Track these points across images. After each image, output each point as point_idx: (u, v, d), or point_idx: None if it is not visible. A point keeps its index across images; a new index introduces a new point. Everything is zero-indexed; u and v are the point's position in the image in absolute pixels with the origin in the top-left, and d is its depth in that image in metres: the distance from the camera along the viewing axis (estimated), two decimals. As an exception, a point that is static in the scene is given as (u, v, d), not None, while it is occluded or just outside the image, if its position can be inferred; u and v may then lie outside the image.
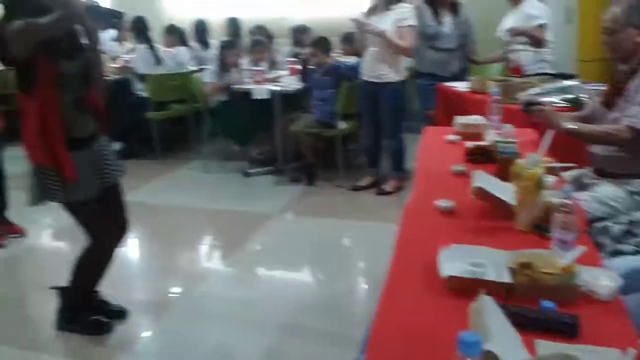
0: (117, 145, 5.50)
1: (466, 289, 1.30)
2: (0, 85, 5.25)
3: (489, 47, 4.71)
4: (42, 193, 2.38)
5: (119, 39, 6.64)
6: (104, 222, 2.54)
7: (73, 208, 2.45)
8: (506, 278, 1.34)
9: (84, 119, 2.41)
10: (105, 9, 2.46)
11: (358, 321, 2.73)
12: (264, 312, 2.90)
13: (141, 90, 5.49)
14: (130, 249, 3.90)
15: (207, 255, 3.85)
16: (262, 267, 3.52)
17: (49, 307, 2.74)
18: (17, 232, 3.83)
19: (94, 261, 2.61)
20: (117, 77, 5.57)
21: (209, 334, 2.72)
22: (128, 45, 6.41)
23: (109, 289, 2.82)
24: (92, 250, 2.56)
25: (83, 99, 2.39)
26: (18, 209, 3.65)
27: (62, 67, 2.29)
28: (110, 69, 5.60)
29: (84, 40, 2.40)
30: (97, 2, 2.44)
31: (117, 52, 6.30)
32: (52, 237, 3.99)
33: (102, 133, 2.54)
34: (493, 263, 1.42)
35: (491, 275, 1.37)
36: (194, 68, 5.65)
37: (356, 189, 4.62)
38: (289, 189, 4.73)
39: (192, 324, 2.82)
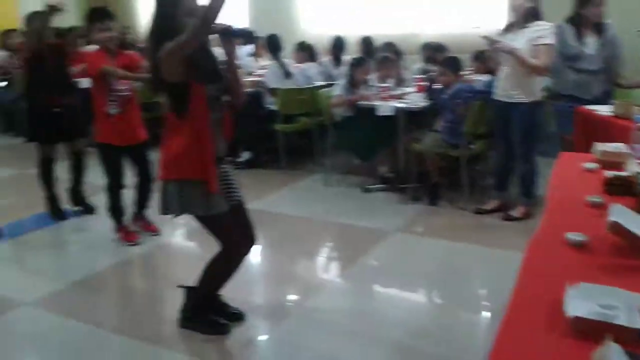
0: (245, 155, 5.77)
1: (593, 332, 1.20)
2: (146, 94, 5.70)
3: (638, 70, 4.36)
4: (181, 205, 2.53)
5: (255, 55, 6.98)
6: (234, 235, 2.67)
7: (207, 220, 2.60)
8: (639, 324, 1.21)
9: (219, 140, 2.56)
10: (240, 30, 2.56)
11: (474, 351, 2.62)
12: (378, 329, 2.87)
13: (271, 103, 5.71)
14: (251, 254, 4.05)
15: (324, 267, 3.90)
16: (378, 284, 3.49)
17: (175, 304, 2.91)
18: (153, 230, 4.12)
19: (222, 269, 2.74)
20: (250, 90, 5.84)
21: (322, 344, 2.75)
22: (263, 60, 6.71)
23: (229, 292, 2.94)
24: (222, 259, 2.70)
25: (220, 121, 2.56)
26: (155, 209, 3.92)
27: (209, 89, 2.46)
28: (245, 83, 5.88)
29: (223, 63, 2.56)
30: (231, 25, 2.53)
31: (252, 67, 6.62)
32: (184, 237, 4.24)
33: (230, 155, 2.69)
34: (626, 306, 1.29)
35: (622, 319, 1.25)
36: (322, 83, 5.78)
37: (480, 212, 4.45)
38: (409, 207, 4.67)
39: (306, 333, 2.87)
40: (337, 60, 6.42)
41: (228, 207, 2.60)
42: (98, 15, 3.68)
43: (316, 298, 3.27)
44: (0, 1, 8.85)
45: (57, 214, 4.45)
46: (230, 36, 2.50)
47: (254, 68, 6.56)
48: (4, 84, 7.40)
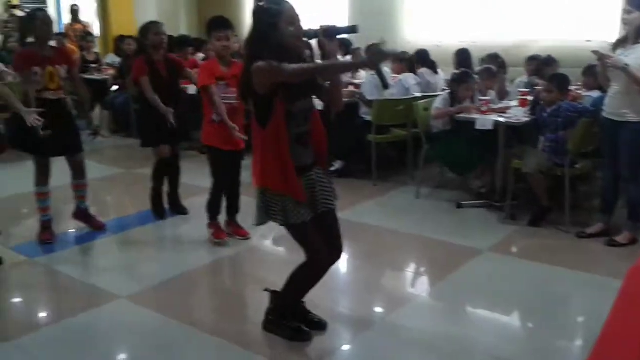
0: (337, 164, 5.80)
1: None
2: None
3: None
4: (265, 214, 2.60)
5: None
6: (319, 244, 2.66)
7: (291, 228, 2.63)
8: None
9: (300, 152, 2.56)
10: (344, 29, 2.53)
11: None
12: (463, 352, 2.76)
13: (365, 113, 5.69)
14: (338, 263, 4.05)
15: (410, 281, 3.81)
16: (466, 304, 3.37)
17: (262, 306, 2.95)
18: (243, 234, 4.21)
19: (307, 277, 2.75)
20: (346, 100, 5.87)
21: (403, 359, 2.68)
22: (361, 71, 6.72)
23: (313, 299, 2.94)
24: (305, 267, 2.71)
25: (305, 135, 2.57)
26: (244, 214, 4.01)
27: (293, 107, 2.48)
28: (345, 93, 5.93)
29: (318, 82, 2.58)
30: (335, 25, 2.52)
31: (349, 77, 6.63)
32: (275, 242, 4.29)
33: (320, 165, 2.68)
34: None
35: None
36: (419, 94, 5.70)
37: (583, 236, 4.18)
38: (505, 226, 4.48)
39: (387, 347, 2.82)
40: (433, 69, 6.33)
41: (310, 216, 2.60)
42: (217, 25, 3.80)
43: (400, 312, 3.20)
44: (118, 8, 9.46)
45: (159, 212, 4.66)
46: (334, 36, 2.47)
47: (351, 78, 6.58)
48: (115, 87, 7.91)
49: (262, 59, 2.38)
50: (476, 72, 5.56)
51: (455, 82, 5.00)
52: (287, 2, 2.47)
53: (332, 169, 5.79)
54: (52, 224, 4.20)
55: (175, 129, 4.38)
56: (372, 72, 5.68)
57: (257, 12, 2.48)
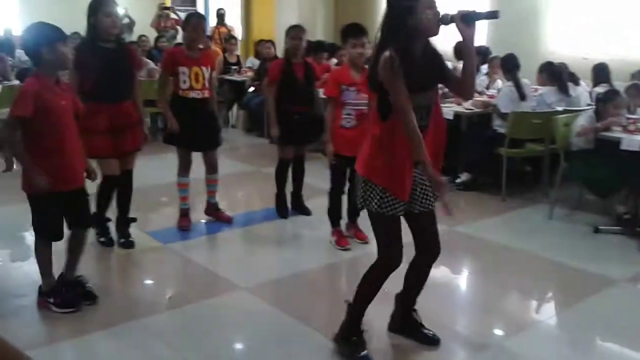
0: (464, 176, 5.61)
1: None
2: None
3: None
4: (363, 198, 2.54)
5: (488, 74, 6.77)
6: (396, 243, 2.56)
7: (378, 217, 2.53)
8: None
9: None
10: (485, 14, 2.38)
11: None
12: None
13: (499, 126, 5.46)
14: (457, 279, 3.91)
15: (533, 306, 3.58)
16: (593, 336, 3.10)
17: (376, 313, 2.91)
18: (363, 238, 4.20)
19: (373, 278, 2.65)
20: (478, 110, 5.68)
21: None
22: (497, 81, 6.48)
23: (428, 314, 2.87)
24: (374, 267, 2.63)
25: (423, 130, 2.44)
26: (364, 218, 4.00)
27: (414, 99, 2.38)
28: (475, 102, 5.74)
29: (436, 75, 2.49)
30: (474, 10, 2.40)
31: (484, 86, 6.42)
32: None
33: (433, 164, 2.52)
34: None
35: None
36: (560, 108, 5.36)
37: None
38: (647, 257, 4.08)
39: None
40: (574, 82, 5.92)
41: (403, 211, 2.52)
42: (352, 31, 3.83)
43: (520, 338, 3.02)
44: (261, 14, 9.90)
45: (282, 211, 4.79)
46: (472, 21, 2.35)
47: (486, 88, 6.37)
48: (252, 89, 8.27)
49: (395, 43, 2.33)
50: (621, 88, 5.13)
51: (602, 102, 4.65)
52: None
53: (459, 180, 5.63)
54: (189, 212, 4.47)
55: (304, 132, 4.49)
56: (509, 83, 5.46)
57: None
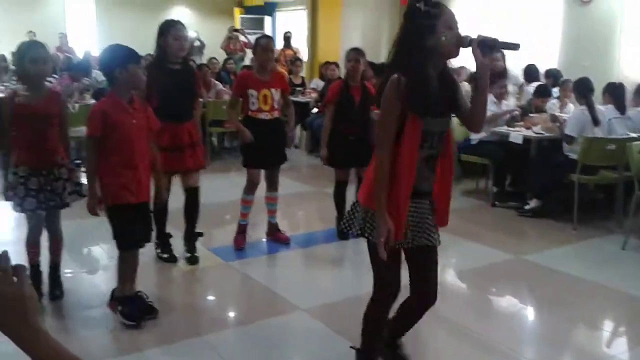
0: (532, 203, 5.42)
1: None
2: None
3: None
4: (361, 230, 2.39)
5: (560, 98, 6.57)
6: (392, 276, 2.43)
7: (370, 245, 2.41)
8: None
9: (426, 176, 2.32)
10: (506, 44, 2.25)
11: None
12: None
13: (571, 151, 5.26)
14: (524, 309, 3.76)
15: (604, 340, 3.38)
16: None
17: (436, 343, 2.83)
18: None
19: (370, 315, 2.54)
20: (548, 135, 5.51)
21: None
22: (569, 105, 6.28)
23: (489, 341, 2.75)
24: (371, 303, 2.52)
25: (435, 158, 2.32)
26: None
27: (427, 124, 2.23)
28: (545, 127, 5.57)
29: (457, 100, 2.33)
30: (497, 38, 2.27)
31: (555, 110, 6.23)
32: (458, 277, 4.12)
33: (439, 190, 2.39)
34: None
35: None
36: (635, 135, 5.12)
37: None
38: None
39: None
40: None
41: (402, 243, 2.33)
42: None
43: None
44: (327, 36, 10.01)
45: (342, 233, 4.76)
46: (490, 49, 2.22)
47: (556, 111, 6.17)
48: (315, 110, 8.33)
49: (409, 64, 2.20)
50: None
51: None
52: (444, 5, 2.26)
53: (527, 207, 5.45)
54: (246, 229, 4.51)
55: (360, 154, 4.47)
56: (582, 107, 5.27)
57: (413, 13, 2.23)
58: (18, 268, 1.07)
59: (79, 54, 11.36)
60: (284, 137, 4.49)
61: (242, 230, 4.51)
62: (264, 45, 4.28)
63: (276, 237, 4.64)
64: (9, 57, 9.37)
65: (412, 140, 2.20)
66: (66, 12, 14.10)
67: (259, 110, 4.23)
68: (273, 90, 4.25)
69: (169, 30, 3.78)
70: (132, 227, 3.14)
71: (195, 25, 13.48)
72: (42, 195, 3.27)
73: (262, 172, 4.44)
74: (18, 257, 1.17)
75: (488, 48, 2.20)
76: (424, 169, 2.29)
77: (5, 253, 1.07)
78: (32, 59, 3.18)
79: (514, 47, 2.21)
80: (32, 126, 3.23)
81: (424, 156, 2.28)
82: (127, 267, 3.23)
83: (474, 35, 2.19)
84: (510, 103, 6.30)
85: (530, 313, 3.69)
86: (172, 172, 3.92)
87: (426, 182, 2.33)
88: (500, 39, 2.18)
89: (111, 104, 3.05)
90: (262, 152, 4.28)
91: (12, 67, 8.72)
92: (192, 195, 4.07)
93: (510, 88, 6.53)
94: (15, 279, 1.06)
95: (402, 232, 2.26)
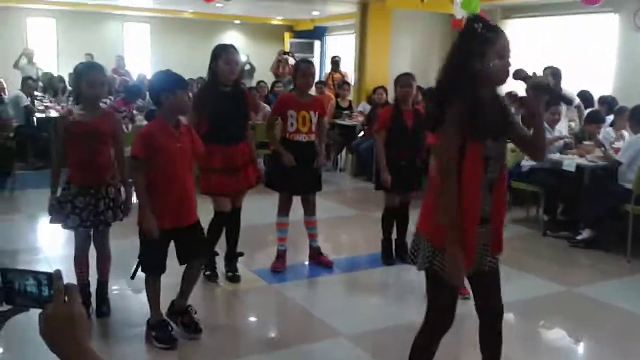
0: (585, 233, 5.23)
1: None
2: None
3: None
4: (417, 257, 2.37)
5: (615, 126, 6.36)
6: (448, 309, 2.38)
7: (430, 277, 2.35)
8: None
9: (487, 201, 2.27)
10: (560, 96, 2.25)
11: None
12: None
13: (625, 180, 5.07)
14: (575, 344, 3.61)
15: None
16: None
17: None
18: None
19: (424, 345, 2.46)
20: (602, 164, 5.33)
21: None
22: (624, 133, 6.07)
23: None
24: (424, 332, 2.44)
25: (496, 182, 2.28)
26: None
27: (487, 149, 2.21)
28: (599, 156, 5.41)
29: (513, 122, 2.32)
30: (550, 85, 2.25)
31: (611, 139, 6.03)
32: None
33: (494, 216, 2.32)
34: None
35: None
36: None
37: None
38: None
39: None
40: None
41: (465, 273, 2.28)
42: None
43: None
44: (375, 61, 10.05)
45: (387, 258, 4.70)
46: (543, 94, 2.21)
47: (613, 140, 5.97)
48: (362, 134, 8.34)
49: (463, 91, 2.16)
50: None
51: None
52: (503, 31, 2.23)
53: (580, 237, 5.27)
54: (286, 254, 4.50)
55: (409, 179, 4.43)
56: (639, 135, 5.08)
57: (467, 36, 2.21)
58: (70, 287, 1.09)
59: (135, 77, 11.74)
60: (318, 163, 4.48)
61: (280, 256, 4.48)
62: (304, 70, 4.32)
63: (319, 260, 4.62)
64: (67, 77, 9.80)
65: (475, 166, 2.19)
66: (124, 35, 14.63)
67: (297, 132, 4.26)
68: (312, 113, 4.28)
69: (221, 54, 3.86)
70: (158, 253, 3.14)
71: (247, 50, 13.77)
72: (85, 214, 3.35)
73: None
74: (70, 275, 1.20)
75: (541, 91, 2.21)
76: (487, 195, 2.27)
77: (58, 273, 1.10)
78: (89, 82, 3.30)
79: (568, 102, 2.20)
80: (85, 144, 3.34)
81: (486, 181, 2.25)
82: (150, 293, 3.25)
83: (530, 70, 2.21)
84: (562, 129, 6.14)
85: (581, 349, 3.53)
86: (226, 194, 3.94)
87: (487, 208, 2.29)
88: (556, 89, 2.21)
89: (158, 127, 3.13)
90: (296, 177, 4.26)
91: (69, 87, 9.11)
92: (235, 216, 4.10)
93: (564, 109, 6.34)
94: (66, 298, 1.08)
95: (471, 264, 2.23)
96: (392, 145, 4.46)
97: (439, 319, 2.41)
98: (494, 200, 2.29)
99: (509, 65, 2.19)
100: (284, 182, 4.33)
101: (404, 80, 4.49)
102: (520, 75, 2.24)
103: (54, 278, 1.08)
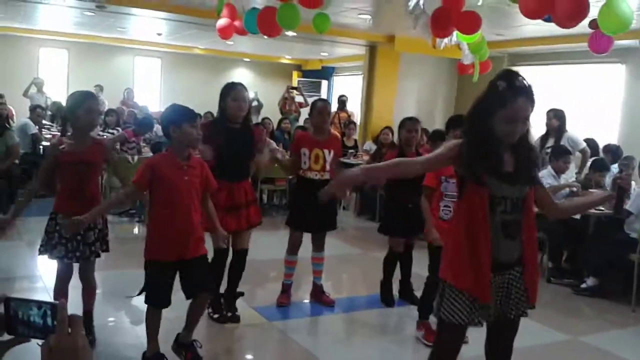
0: (590, 281, 5.17)
1: None
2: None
3: None
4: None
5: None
6: (451, 352, 2.32)
7: (444, 326, 2.32)
8: None
9: (504, 245, 2.25)
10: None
11: None
12: None
13: (632, 230, 5.03)
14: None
15: None
16: None
17: None
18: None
19: None
20: (608, 212, 5.29)
21: None
22: (632, 183, 6.04)
23: None
24: None
25: (513, 224, 2.25)
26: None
27: (497, 190, 2.21)
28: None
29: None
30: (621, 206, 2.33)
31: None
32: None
33: (528, 262, 2.32)
34: None
35: None
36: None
37: None
38: None
39: None
40: None
41: (478, 321, 2.27)
42: (456, 124, 3.78)
43: None
44: (381, 101, 10.15)
45: (387, 299, 4.64)
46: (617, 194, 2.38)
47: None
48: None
49: (471, 126, 2.27)
50: None
51: None
52: (524, 93, 2.19)
53: (584, 285, 5.20)
54: (290, 289, 4.47)
55: (414, 223, 4.39)
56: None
57: (488, 89, 2.25)
58: (73, 318, 1.07)
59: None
60: (334, 202, 4.47)
61: (285, 290, 4.48)
62: (320, 108, 4.35)
63: (321, 299, 4.56)
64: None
65: (475, 204, 2.20)
66: (135, 68, 14.82)
67: (309, 169, 4.26)
68: (326, 151, 4.28)
69: (229, 92, 3.88)
70: (161, 284, 3.11)
71: (255, 86, 13.92)
72: (71, 245, 3.29)
73: (303, 233, 4.42)
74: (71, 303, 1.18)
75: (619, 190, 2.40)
76: (501, 238, 2.22)
77: (62, 304, 1.07)
78: (87, 109, 3.29)
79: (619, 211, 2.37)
80: (75, 174, 3.30)
81: (498, 221, 2.21)
82: (150, 324, 3.19)
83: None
84: (568, 177, 6.13)
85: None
86: (229, 232, 3.80)
87: (507, 251, 2.25)
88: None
89: (164, 159, 3.15)
90: (310, 215, 4.26)
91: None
92: (240, 257, 4.04)
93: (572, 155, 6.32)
94: (70, 329, 1.06)
95: (488, 300, 2.21)
96: (398, 188, 4.36)
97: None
98: (524, 243, 2.27)
99: (515, 129, 2.19)
100: (300, 221, 4.36)
101: (409, 125, 4.48)
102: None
103: (58, 308, 1.07)
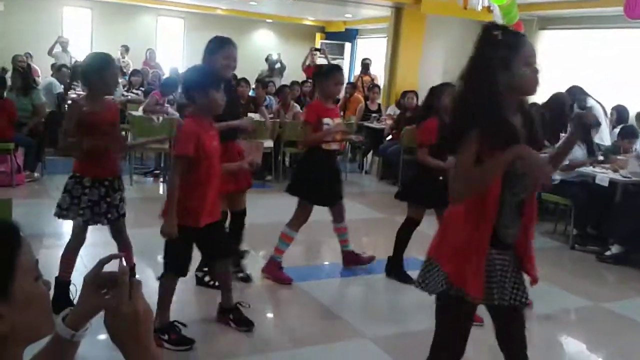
0: (614, 248, 5.13)
1: None
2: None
3: None
4: (428, 284, 2.12)
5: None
6: (457, 342, 2.13)
7: (442, 301, 2.12)
8: None
9: (513, 223, 2.06)
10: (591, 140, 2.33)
11: None
12: None
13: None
14: (601, 362, 3.54)
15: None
16: None
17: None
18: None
19: None
20: (636, 179, 5.22)
21: None
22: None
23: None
24: None
25: (524, 203, 2.08)
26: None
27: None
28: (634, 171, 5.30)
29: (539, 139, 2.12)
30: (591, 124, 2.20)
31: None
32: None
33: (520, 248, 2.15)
34: None
35: None
36: None
37: None
38: None
39: None
40: None
41: (482, 301, 2.06)
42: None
43: None
44: (406, 65, 9.98)
45: (403, 276, 4.37)
46: (585, 129, 2.25)
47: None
48: (389, 137, 8.29)
49: (481, 112, 1.94)
50: None
51: None
52: (525, 36, 2.04)
53: (609, 252, 5.16)
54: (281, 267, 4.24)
55: (443, 195, 4.26)
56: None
57: (487, 44, 1.99)
58: (134, 283, 1.09)
59: (165, 70, 11.84)
60: (340, 171, 4.41)
61: (280, 267, 4.20)
62: (339, 78, 4.16)
63: (358, 261, 4.49)
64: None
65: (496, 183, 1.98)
66: (158, 28, 14.77)
67: (333, 140, 4.16)
68: (336, 119, 4.21)
69: (219, 49, 3.63)
70: (185, 252, 3.09)
71: (278, 48, 13.79)
72: (98, 208, 3.29)
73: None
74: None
75: (582, 127, 2.19)
76: (514, 215, 2.06)
77: (123, 269, 1.09)
78: (113, 73, 3.30)
79: (593, 157, 2.24)
80: (100, 134, 3.25)
81: (513, 201, 2.04)
82: (166, 293, 3.13)
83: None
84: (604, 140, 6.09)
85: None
86: (228, 194, 3.67)
87: (511, 231, 2.07)
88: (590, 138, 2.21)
89: (199, 125, 2.99)
90: (330, 187, 4.16)
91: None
92: (240, 218, 3.95)
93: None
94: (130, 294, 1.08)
95: (481, 288, 2.01)
96: (432, 158, 4.09)
97: (438, 351, 2.18)
98: (523, 224, 2.09)
99: (537, 72, 1.99)
100: (323, 195, 4.15)
101: (451, 91, 4.15)
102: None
103: (118, 272, 1.09)
